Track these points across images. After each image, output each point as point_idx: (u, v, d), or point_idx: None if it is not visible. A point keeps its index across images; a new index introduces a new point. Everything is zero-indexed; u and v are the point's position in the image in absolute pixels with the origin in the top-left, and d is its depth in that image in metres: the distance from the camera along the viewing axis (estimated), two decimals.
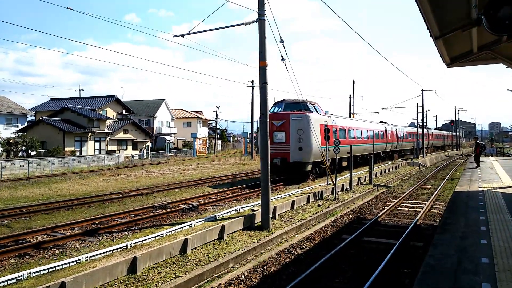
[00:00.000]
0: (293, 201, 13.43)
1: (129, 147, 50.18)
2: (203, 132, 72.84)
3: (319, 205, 14.66)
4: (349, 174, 19.48)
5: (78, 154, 39.85)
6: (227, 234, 9.81)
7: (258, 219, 11.13)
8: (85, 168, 32.33)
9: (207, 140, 67.44)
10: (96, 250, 7.81)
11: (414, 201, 16.36)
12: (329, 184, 17.29)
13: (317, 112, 20.08)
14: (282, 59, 12.10)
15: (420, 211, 13.72)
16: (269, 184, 11.09)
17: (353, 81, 46.32)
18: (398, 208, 14.64)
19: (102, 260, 7.30)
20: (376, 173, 25.71)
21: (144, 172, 27.19)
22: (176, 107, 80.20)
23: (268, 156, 11.08)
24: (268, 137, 11.24)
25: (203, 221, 10.11)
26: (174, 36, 12.68)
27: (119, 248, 7.96)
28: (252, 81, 40.27)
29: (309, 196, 14.78)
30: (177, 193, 16.54)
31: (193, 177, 23.44)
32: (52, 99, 52.34)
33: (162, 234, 8.80)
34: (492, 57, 13.54)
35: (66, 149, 38.33)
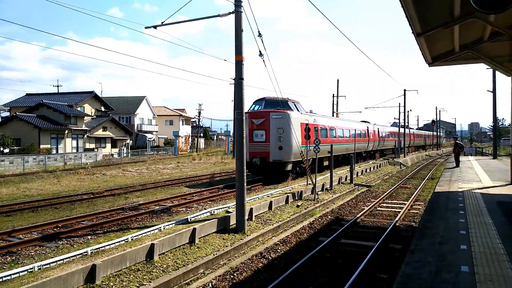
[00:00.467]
0: (271, 202, 13.01)
1: (108, 145, 48.87)
2: (185, 130, 71.78)
3: (298, 206, 14.28)
4: (329, 174, 19.22)
5: (54, 152, 38.44)
6: (199, 238, 9.30)
7: (233, 221, 10.66)
8: (60, 167, 31.15)
9: (190, 138, 66.47)
10: (52, 257, 7.16)
11: (394, 201, 16.20)
12: (309, 184, 16.96)
13: (298, 110, 19.73)
14: (260, 54, 11.63)
15: (399, 212, 13.52)
16: (245, 184, 10.62)
17: (337, 80, 46.41)
18: (377, 209, 14.42)
19: (57, 268, 6.68)
20: (358, 172, 25.60)
21: (121, 171, 26.31)
22: (162, 104, 78.90)
23: (243, 156, 10.61)
24: (244, 135, 10.77)
25: (173, 224, 9.56)
26: (146, 28, 12.02)
27: (78, 254, 7.34)
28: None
29: (287, 196, 14.39)
30: (151, 193, 15.89)
31: (171, 177, 22.76)
32: (28, 95, 50.40)
33: (127, 239, 8.21)
34: (473, 56, 13.44)
35: (42, 146, 36.90)
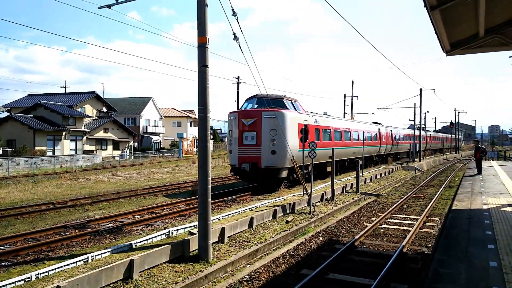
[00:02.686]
0: (251, 218, 10.78)
1: (110, 147, 47.48)
2: (193, 132, 70.13)
3: (287, 222, 12.02)
4: (331, 182, 16.85)
5: (50, 153, 37.14)
6: (140, 272, 7.17)
7: (195, 246, 8.50)
8: (58, 169, 29.63)
9: (195, 141, 64.71)
10: None
11: (404, 216, 13.74)
12: (305, 193, 14.64)
13: (295, 110, 17.44)
14: (235, 38, 9.48)
15: (409, 231, 11.10)
16: (209, 200, 8.46)
17: (352, 81, 43.73)
18: (383, 226, 12.01)
19: None
20: (366, 179, 23.11)
21: (110, 175, 24.53)
22: (171, 106, 77.32)
23: (207, 164, 8.45)
24: (208, 138, 8.62)
25: (109, 253, 7.45)
26: (99, 8, 10.05)
27: None
28: (238, 77, 37.63)
29: (275, 210, 12.13)
30: (118, 205, 13.88)
31: (157, 183, 20.80)
32: (29, 95, 49.58)
33: (29, 278, 6.13)
34: (501, 42, 10.87)
35: (37, 148, 35.62)
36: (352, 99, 44.19)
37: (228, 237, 9.69)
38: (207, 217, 8.32)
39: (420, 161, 39.83)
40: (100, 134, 45.98)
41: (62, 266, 6.66)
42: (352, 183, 20.26)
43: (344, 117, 42.14)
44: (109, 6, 9.84)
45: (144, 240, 8.23)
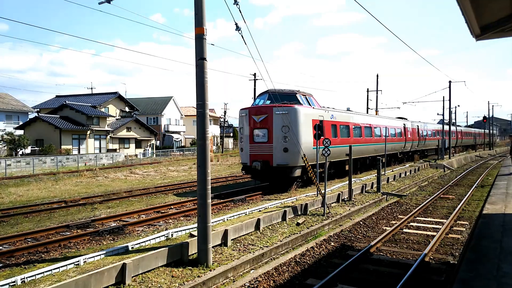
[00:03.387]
0: (258, 220, 10.15)
1: (132, 146, 48.15)
2: (214, 130, 70.27)
3: (298, 224, 11.30)
4: (348, 181, 15.94)
5: (75, 152, 38.02)
6: (133, 277, 6.72)
7: (195, 250, 7.99)
8: (81, 167, 30.15)
9: (215, 139, 64.74)
10: None
11: (429, 219, 12.67)
12: (320, 194, 13.82)
13: (309, 105, 16.60)
14: (237, 28, 8.89)
15: (433, 237, 10.11)
16: (209, 201, 7.90)
17: (377, 75, 42.14)
18: (404, 231, 11.05)
19: None
20: (388, 178, 21.94)
21: (128, 173, 24.59)
22: (192, 105, 77.82)
23: (206, 163, 7.90)
24: (207, 136, 8.05)
25: (103, 255, 7.05)
26: (99, 3, 9.70)
27: None
28: (254, 74, 36.98)
29: (285, 211, 11.44)
30: (128, 203, 13.60)
31: (171, 181, 20.55)
32: (57, 96, 51.06)
33: (14, 282, 5.79)
34: None
35: (63, 147, 36.50)
36: (377, 93, 42.53)
37: (232, 239, 9.12)
38: (207, 219, 7.77)
39: (449, 158, 37.77)
40: (123, 133, 46.70)
41: (51, 270, 6.31)
42: (372, 183, 19.20)
43: (367, 112, 40.60)
44: (108, 1, 9.48)
45: (142, 242, 7.79)
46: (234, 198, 13.38)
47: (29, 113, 43.22)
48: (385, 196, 17.67)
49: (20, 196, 15.41)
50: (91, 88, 60.72)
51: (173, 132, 61.13)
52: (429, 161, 34.06)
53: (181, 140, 62.99)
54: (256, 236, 9.78)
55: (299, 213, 12.34)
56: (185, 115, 67.74)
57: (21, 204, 13.27)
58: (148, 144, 51.77)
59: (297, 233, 10.47)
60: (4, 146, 33.38)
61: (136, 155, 46.16)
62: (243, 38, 9.09)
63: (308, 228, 11.04)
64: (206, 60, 7.90)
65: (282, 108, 15.27)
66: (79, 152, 38.67)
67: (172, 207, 12.27)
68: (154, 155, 48.75)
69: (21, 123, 41.89)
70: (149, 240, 7.94)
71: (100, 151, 41.91)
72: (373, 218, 12.73)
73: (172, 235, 8.38)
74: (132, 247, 7.50)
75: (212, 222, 9.66)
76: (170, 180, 21.25)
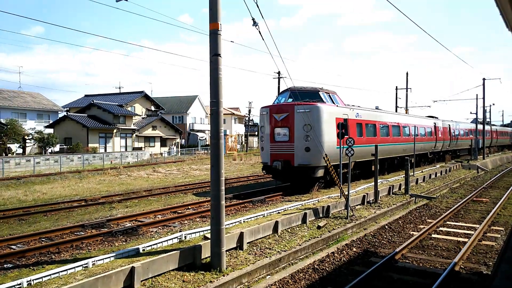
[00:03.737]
0: (276, 222, 9.77)
1: (157, 144, 48.88)
2: (238, 128, 70.32)
3: (319, 227, 10.83)
4: (374, 182, 15.25)
5: (102, 150, 38.99)
6: (142, 281, 6.53)
7: (208, 253, 7.72)
8: (106, 165, 30.89)
9: (239, 137, 64.74)
10: None
11: (460, 224, 11.85)
12: (343, 195, 13.25)
13: (333, 103, 16.00)
14: (254, 23, 8.54)
15: (465, 243, 9.38)
16: (222, 202, 7.61)
17: (406, 73, 40.56)
18: (432, 236, 10.34)
19: None
20: (417, 179, 20.96)
21: (151, 171, 24.84)
22: (225, 104, 78.31)
23: (220, 163, 7.61)
24: (221, 134, 7.78)
25: (112, 258, 6.91)
26: (117, 1, 9.62)
27: None
28: (279, 72, 36.49)
29: (305, 213, 10.99)
30: (146, 202, 13.57)
31: (193, 180, 20.51)
32: (85, 96, 52.66)
33: (20, 284, 5.71)
34: None
35: (90, 145, 37.54)
36: (406, 91, 41.00)
37: (248, 243, 8.79)
38: (220, 221, 7.47)
39: (483, 159, 35.82)
40: (148, 131, 47.48)
41: (59, 272, 6.22)
42: (400, 184, 18.36)
43: (396, 110, 39.20)
44: None
45: (154, 244, 7.60)
46: (253, 198, 13.05)
47: (59, 112, 44.74)
48: (414, 198, 16.82)
49: (44, 194, 15.79)
50: (119, 88, 62.19)
51: (198, 131, 61.68)
52: (462, 162, 32.40)
53: (206, 138, 63.43)
54: (274, 239, 9.41)
55: (321, 215, 11.85)
56: (210, 114, 68.18)
57: (43, 202, 13.53)
58: (173, 143, 52.43)
59: (317, 237, 10.02)
60: (34, 144, 34.67)
61: (161, 154, 46.83)
62: (260, 33, 8.74)
63: (329, 232, 10.56)
64: (220, 56, 7.61)
65: (304, 106, 14.79)
66: (105, 150, 39.63)
67: (189, 207, 12.10)
68: (179, 153, 49.31)
69: (51, 122, 43.50)
70: (161, 242, 7.74)
71: (126, 149, 42.80)
72: (400, 222, 12.05)
73: (185, 237, 8.15)
74: (144, 249, 7.33)
75: (228, 224, 9.40)
76: (191, 179, 21.22)
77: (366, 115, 18.60)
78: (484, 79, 38.24)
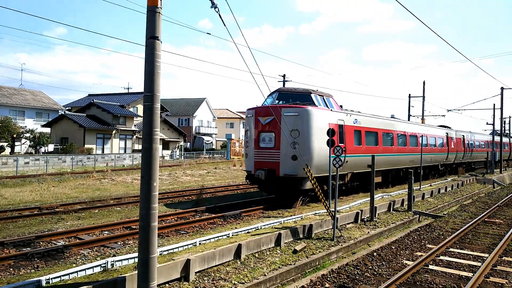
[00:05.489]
0: (239, 246, 8.14)
1: (159, 147, 47.77)
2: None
3: (295, 251, 9.16)
4: (370, 197, 13.46)
5: (99, 152, 37.99)
6: None
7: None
8: (98, 167, 29.69)
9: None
10: None
11: (466, 252, 9.98)
12: (328, 213, 11.49)
13: (327, 107, 14.33)
14: (213, 5, 7.02)
15: (468, 280, 7.58)
16: (154, 224, 6.06)
17: (423, 82, 38.43)
18: (429, 268, 8.53)
19: None
20: (424, 194, 19.04)
21: (138, 176, 23.44)
22: (235, 108, 77.12)
23: (153, 174, 6.10)
24: (156, 137, 6.26)
25: None
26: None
27: None
28: (284, 75, 34.88)
29: (279, 234, 9.32)
30: (106, 213, 12.04)
31: (177, 187, 19.09)
32: (89, 95, 52.04)
33: None
34: None
35: (86, 146, 36.57)
36: (423, 100, 38.88)
37: (197, 272, 7.19)
38: (150, 249, 5.91)
39: (500, 172, 33.37)
40: None
41: None
42: (403, 199, 16.53)
43: (409, 119, 37.12)
44: None
45: (65, 275, 6.07)
46: (227, 213, 11.40)
47: (59, 111, 44.04)
48: (417, 216, 14.97)
49: (5, 198, 14.47)
50: (127, 88, 61.62)
51: (204, 134, 60.47)
52: (476, 175, 30.12)
53: (212, 142, 62.22)
54: (235, 267, 7.79)
55: (301, 236, 10.17)
56: (217, 117, 66.99)
57: None
58: (177, 146, 51.28)
59: (291, 264, 8.38)
60: (24, 143, 33.84)
61: (162, 157, 45.64)
62: (221, 17, 7.23)
63: (307, 257, 8.90)
64: (159, 40, 6.10)
65: (292, 109, 13.20)
66: (103, 151, 38.59)
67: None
68: (182, 157, 48.06)
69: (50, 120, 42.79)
70: (78, 271, 6.16)
71: (125, 151, 41.72)
72: (393, 246, 10.24)
73: (113, 264, 6.59)
74: (48, 282, 5.78)
75: (177, 248, 7.83)
76: (176, 186, 19.77)
77: (366, 122, 16.84)
78: (502, 88, 35.84)
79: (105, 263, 6.50)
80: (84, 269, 6.24)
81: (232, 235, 9.01)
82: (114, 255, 7.27)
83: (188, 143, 57.59)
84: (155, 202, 6.09)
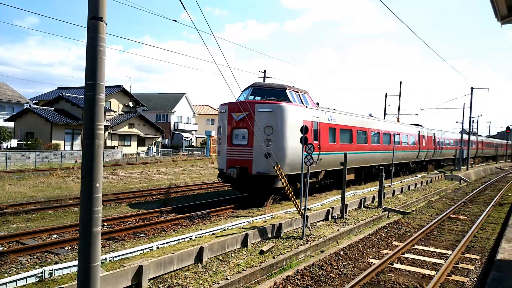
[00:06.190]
0: (200, 248, 7.86)
1: (134, 143, 46.54)
2: None
3: (262, 252, 8.98)
4: (341, 194, 13.48)
5: (68, 148, 36.59)
6: None
7: None
8: (66, 164, 28.49)
9: None
10: None
11: (430, 249, 10.13)
12: (298, 211, 11.38)
13: (302, 103, 14.20)
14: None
15: (431, 278, 7.65)
16: (96, 229, 5.53)
17: (400, 82, 39.17)
18: (394, 266, 8.57)
19: None
20: (394, 190, 19.34)
21: (109, 174, 22.73)
22: (216, 104, 75.97)
23: (95, 172, 5.51)
24: (99, 132, 5.75)
25: None
26: None
27: None
28: (264, 71, 34.54)
29: (246, 235, 9.12)
30: (62, 214, 11.41)
31: (147, 186, 18.57)
32: (58, 88, 49.99)
33: None
34: None
35: (54, 141, 35.10)
36: (399, 99, 39.73)
37: (152, 279, 6.83)
38: (91, 257, 5.32)
39: (467, 169, 34.54)
40: (125, 129, 45.16)
41: None
42: (374, 196, 16.70)
43: (384, 117, 37.79)
44: None
45: None
46: (193, 213, 11.08)
47: (25, 104, 42.05)
48: (387, 212, 15.15)
49: None
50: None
51: (183, 131, 59.26)
52: (444, 172, 31.02)
53: (191, 139, 61.14)
54: (195, 271, 7.50)
55: (270, 236, 10.01)
56: (198, 114, 65.85)
57: None
58: (153, 142, 50.14)
59: (256, 266, 8.17)
60: None
61: (138, 154, 44.46)
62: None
63: (274, 258, 8.73)
64: (103, 22, 5.53)
65: (266, 105, 12.99)
66: (71, 147, 37.20)
67: (105, 224, 10.02)
68: (159, 154, 47.05)
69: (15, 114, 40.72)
70: (6, 283, 5.63)
71: None
72: (360, 244, 10.26)
73: (51, 274, 6.08)
74: None
75: (133, 253, 7.46)
76: (147, 184, 19.22)
77: (341, 119, 16.87)
78: (472, 87, 37.08)
79: (41, 273, 5.97)
80: (15, 280, 5.66)
81: (196, 237, 8.72)
82: (56, 262, 6.81)
83: (166, 140, 56.41)
84: (98, 205, 5.55)
